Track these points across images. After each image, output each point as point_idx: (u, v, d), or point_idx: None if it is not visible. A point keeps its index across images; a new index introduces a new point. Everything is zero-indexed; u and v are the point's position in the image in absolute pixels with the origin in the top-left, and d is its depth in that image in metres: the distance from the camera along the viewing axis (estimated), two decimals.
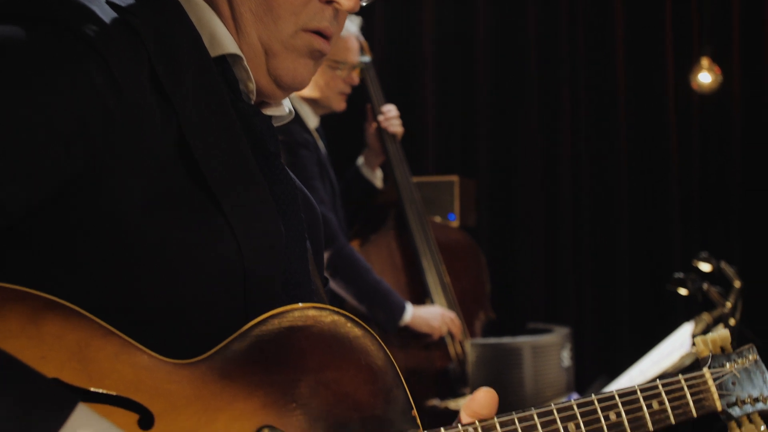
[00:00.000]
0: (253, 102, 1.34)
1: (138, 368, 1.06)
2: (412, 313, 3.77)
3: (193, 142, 1.15)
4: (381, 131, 4.03)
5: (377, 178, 4.16)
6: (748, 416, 1.50)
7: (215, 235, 1.16)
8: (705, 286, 3.42)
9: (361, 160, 4.15)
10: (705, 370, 1.47)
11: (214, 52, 1.28)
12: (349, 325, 1.20)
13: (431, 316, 3.83)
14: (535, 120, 5.75)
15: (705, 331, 3.51)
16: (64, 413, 0.91)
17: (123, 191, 1.10)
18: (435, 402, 3.77)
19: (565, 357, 3.97)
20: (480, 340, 3.91)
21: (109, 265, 1.09)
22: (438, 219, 4.55)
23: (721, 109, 6.08)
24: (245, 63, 1.30)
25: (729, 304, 3.42)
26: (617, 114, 5.90)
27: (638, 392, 1.37)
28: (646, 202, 5.97)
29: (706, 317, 3.56)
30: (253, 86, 1.31)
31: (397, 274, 4.00)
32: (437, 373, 3.93)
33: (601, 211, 5.89)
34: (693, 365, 3.19)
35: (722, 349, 1.53)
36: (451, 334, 3.89)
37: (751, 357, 1.53)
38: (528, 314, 5.38)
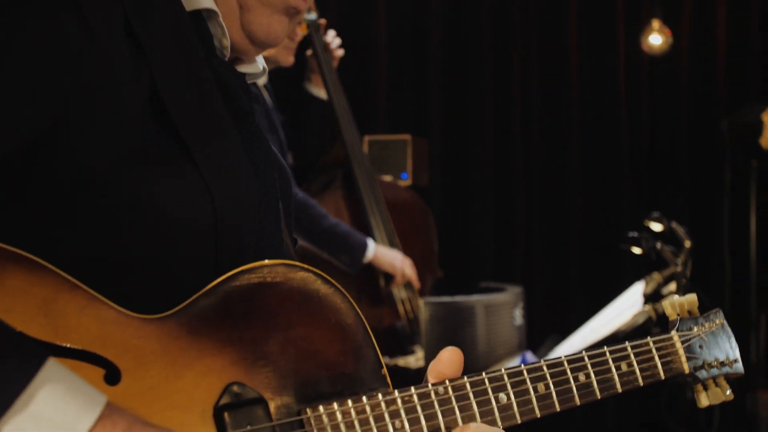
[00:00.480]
0: (227, 59, 1.31)
1: (105, 323, 1.04)
2: (374, 250, 3.76)
3: (165, 95, 1.13)
4: (326, 82, 3.98)
5: (324, 93, 4.11)
6: (714, 379, 1.51)
7: (187, 187, 1.13)
8: (658, 245, 3.46)
9: (305, 83, 4.10)
10: (673, 333, 1.48)
11: (189, 7, 1.25)
12: (319, 282, 1.18)
13: (394, 256, 3.83)
14: (488, 81, 5.74)
15: (656, 291, 3.55)
16: (33, 367, 0.89)
17: (94, 142, 1.07)
18: (384, 360, 3.78)
19: (518, 316, 4.00)
20: (433, 299, 3.92)
21: (78, 217, 1.07)
22: (390, 178, 4.53)
23: (670, 72, 6.15)
24: (220, 19, 1.27)
25: (680, 264, 3.46)
26: (569, 76, 5.92)
27: (607, 354, 1.37)
28: (596, 163, 6.02)
29: (656, 276, 3.60)
30: (227, 42, 1.29)
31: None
32: (386, 331, 3.94)
33: (553, 171, 5.92)
34: (647, 323, 3.24)
35: (689, 313, 1.53)
36: (408, 287, 3.89)
37: (717, 321, 1.53)
38: (479, 274, 5.41)
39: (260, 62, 1.38)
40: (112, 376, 1.03)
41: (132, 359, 1.04)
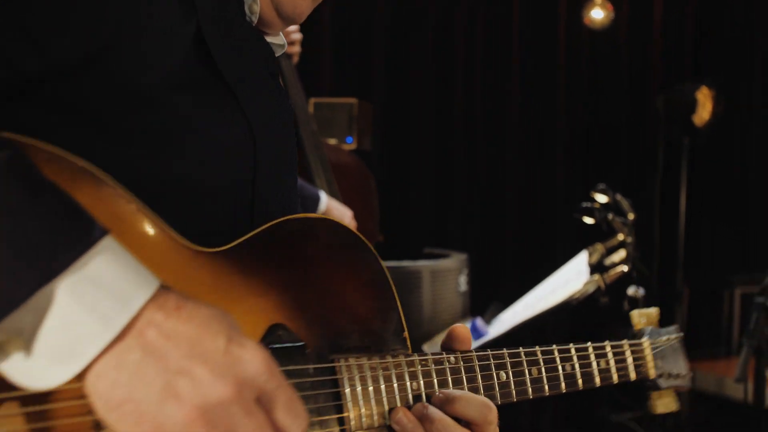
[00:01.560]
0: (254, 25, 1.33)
1: (163, 249, 1.04)
2: (327, 203, 3.75)
3: (210, 42, 1.13)
4: None
5: None
6: (666, 389, 1.66)
7: (229, 117, 1.15)
8: (610, 215, 3.54)
9: None
10: (645, 340, 1.61)
11: None
12: (358, 242, 1.23)
13: (344, 212, 3.82)
14: (430, 48, 5.76)
15: (599, 261, 3.64)
16: (96, 235, 0.87)
17: (149, 64, 1.05)
18: None
19: (462, 282, 4.06)
20: None
21: (133, 137, 1.05)
22: (334, 141, 4.51)
23: (609, 47, 6.25)
24: None
25: (629, 236, 3.55)
26: (510, 46, 5.98)
27: (590, 349, 1.49)
28: (534, 133, 6.11)
29: (599, 247, 3.68)
30: (257, 8, 1.29)
31: None
32: None
33: (493, 140, 5.99)
34: (596, 292, 3.31)
35: (651, 324, 1.69)
36: None
37: (674, 336, 1.68)
38: (420, 239, 5.45)
39: (282, 38, 1.39)
40: None
41: (184, 289, 1.01)
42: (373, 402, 1.19)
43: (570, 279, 3.56)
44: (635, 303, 3.61)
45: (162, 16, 1.08)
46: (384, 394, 1.20)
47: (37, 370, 0.85)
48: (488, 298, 4.50)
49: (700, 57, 6.47)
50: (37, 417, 0.91)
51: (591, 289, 3.33)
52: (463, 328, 1.34)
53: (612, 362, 1.52)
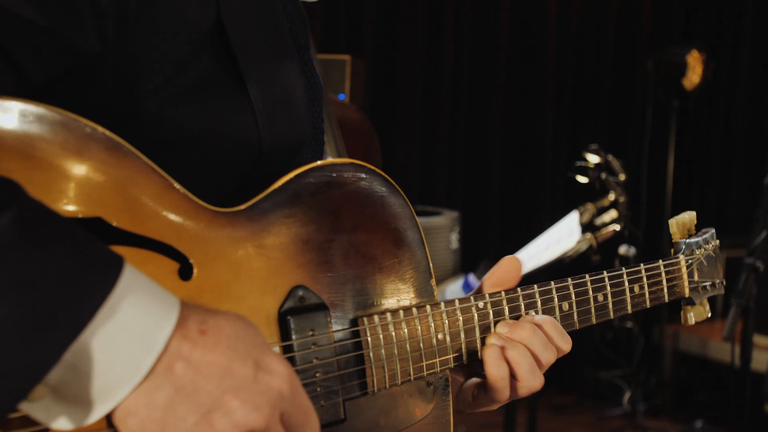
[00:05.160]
0: None
1: (180, 213, 1.00)
2: None
3: (228, 21, 1.08)
4: None
5: None
6: (701, 300, 1.57)
7: (235, 112, 1.10)
8: (603, 175, 3.56)
9: None
10: (681, 257, 1.52)
11: None
12: (383, 184, 1.19)
13: None
14: (420, 4, 5.71)
15: (590, 220, 3.67)
16: (114, 274, 0.84)
17: (152, 51, 1.02)
18: None
19: (454, 239, 4.08)
20: None
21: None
22: None
23: (599, 6, 6.23)
24: None
25: (621, 195, 3.58)
26: (500, 2, 5.93)
27: (624, 275, 1.41)
28: (522, 92, 6.09)
29: (590, 207, 3.71)
30: None
31: None
32: None
33: (480, 98, 5.96)
34: (588, 250, 3.34)
35: (688, 231, 1.57)
36: None
37: (713, 243, 1.58)
38: (409, 197, 5.44)
39: None
40: (186, 271, 0.99)
41: (203, 254, 1.00)
42: (397, 360, 1.16)
43: (562, 237, 3.58)
44: (626, 261, 3.65)
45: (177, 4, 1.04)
46: (408, 351, 1.18)
47: (62, 414, 0.84)
48: (478, 255, 4.53)
49: (690, 19, 6.46)
50: None
51: (584, 247, 3.36)
52: (512, 259, 1.31)
53: (646, 287, 1.44)
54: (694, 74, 5.78)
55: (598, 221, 3.70)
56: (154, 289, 0.88)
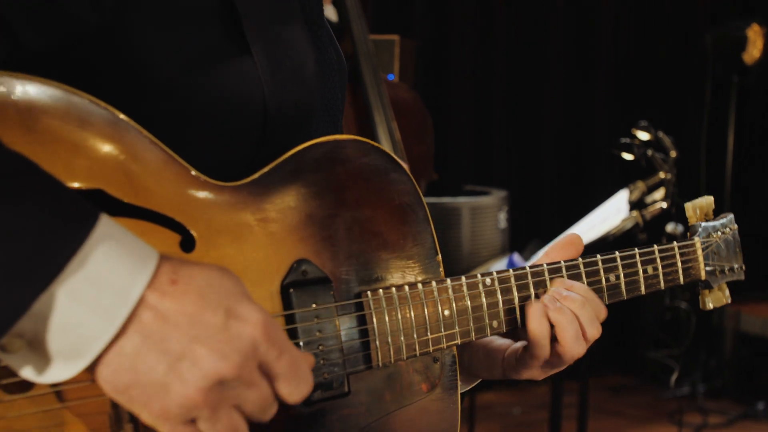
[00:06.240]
0: None
1: (182, 186, 1.01)
2: None
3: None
4: None
5: (331, 12, 4.05)
6: (718, 285, 1.56)
7: (239, 74, 1.10)
8: (649, 152, 3.49)
9: None
10: (696, 239, 1.50)
11: None
12: (386, 161, 1.19)
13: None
14: None
15: (640, 198, 3.61)
16: (88, 225, 0.85)
17: (154, 41, 1.04)
18: None
19: (502, 219, 4.05)
20: None
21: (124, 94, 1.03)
22: None
23: None
24: None
25: (669, 173, 3.51)
26: None
27: (637, 256, 1.41)
28: (577, 69, 6.01)
29: (640, 185, 3.65)
30: None
31: (348, 128, 3.97)
32: None
33: (534, 76, 5.91)
34: (634, 228, 3.30)
35: (705, 216, 1.56)
36: None
37: (731, 227, 1.56)
38: (460, 177, 5.44)
39: None
40: (188, 243, 1.01)
41: (205, 227, 1.02)
42: (402, 335, 1.16)
43: (609, 216, 3.54)
44: (673, 239, 3.58)
45: None
46: (414, 326, 1.18)
47: (41, 367, 0.86)
48: (528, 235, 4.50)
49: None
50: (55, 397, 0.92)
51: (628, 225, 3.31)
52: (573, 236, 1.33)
53: (660, 267, 1.43)
54: (754, 48, 5.63)
55: (649, 199, 3.64)
56: (133, 243, 0.89)
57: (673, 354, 4.87)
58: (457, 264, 3.90)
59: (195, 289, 0.89)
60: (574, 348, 1.26)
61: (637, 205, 3.55)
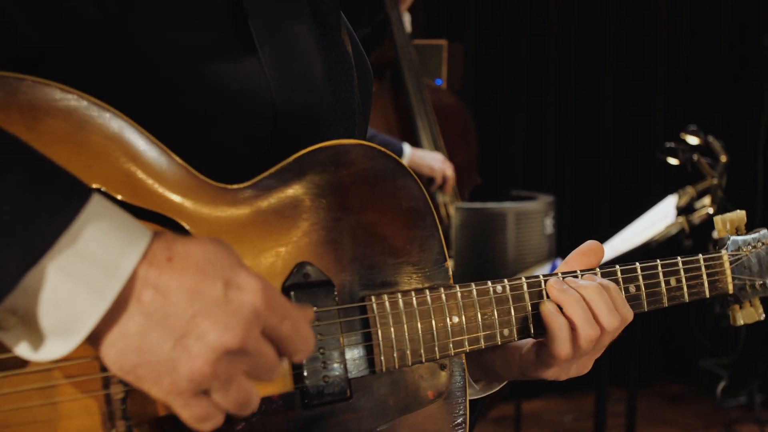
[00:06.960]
0: None
1: (183, 187, 1.02)
2: (410, 154, 3.76)
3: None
4: None
5: (407, 22, 4.09)
6: (750, 300, 1.52)
7: (246, 71, 1.11)
8: (695, 157, 3.42)
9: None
10: (723, 252, 1.47)
11: None
12: (393, 166, 1.17)
13: (432, 157, 3.82)
14: None
15: (689, 204, 3.54)
16: (80, 201, 0.86)
17: (162, 40, 1.05)
18: None
19: (548, 224, 4.01)
20: (464, 204, 3.92)
21: (128, 92, 1.04)
22: None
23: None
24: None
25: (716, 177, 3.44)
26: None
27: (659, 267, 1.38)
28: (632, 74, 5.94)
29: (689, 190, 3.58)
30: None
31: (391, 133, 3.97)
32: None
33: (587, 80, 5.85)
34: (679, 234, 3.24)
35: (737, 230, 1.53)
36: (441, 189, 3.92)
37: (763, 241, 1.52)
38: (509, 182, 5.41)
39: None
40: None
41: (206, 228, 1.03)
42: (407, 340, 1.15)
43: (656, 222, 3.48)
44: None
45: None
46: (419, 332, 1.16)
47: (36, 344, 0.87)
48: (576, 241, 4.45)
49: None
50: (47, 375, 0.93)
51: (673, 231, 3.26)
52: (593, 244, 1.34)
53: (683, 280, 1.40)
54: None
55: (698, 204, 3.58)
56: (126, 221, 0.89)
57: (723, 363, 4.77)
58: (501, 269, 3.87)
59: (193, 263, 0.90)
60: (587, 330, 1.24)
61: (684, 210, 3.48)
